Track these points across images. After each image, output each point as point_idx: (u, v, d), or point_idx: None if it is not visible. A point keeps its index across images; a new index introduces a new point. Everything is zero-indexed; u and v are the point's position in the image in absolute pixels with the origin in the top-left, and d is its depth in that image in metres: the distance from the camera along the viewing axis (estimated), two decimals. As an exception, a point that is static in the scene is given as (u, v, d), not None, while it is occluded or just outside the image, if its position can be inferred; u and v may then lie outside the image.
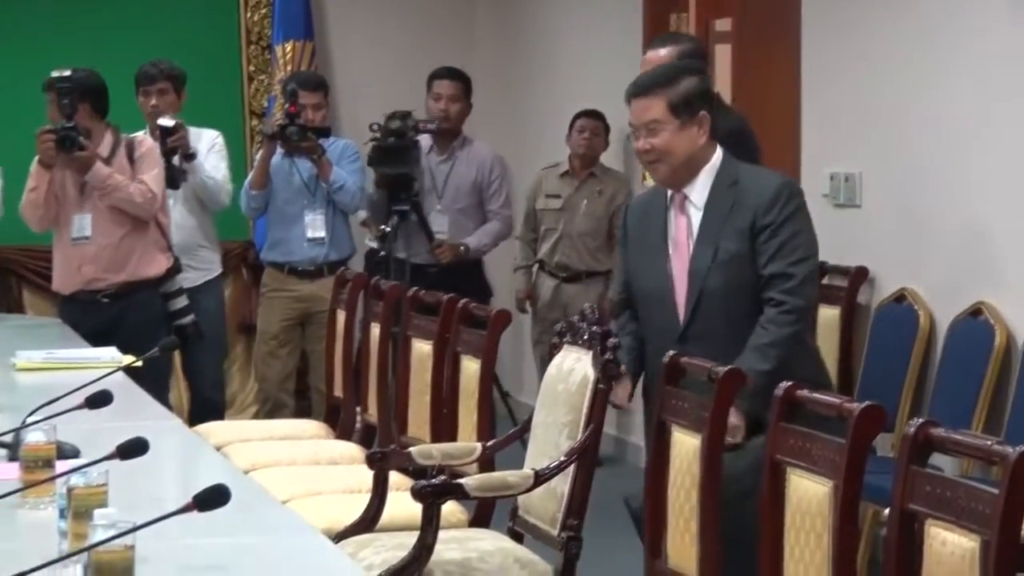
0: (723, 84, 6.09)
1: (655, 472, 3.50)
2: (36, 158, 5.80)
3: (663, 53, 4.89)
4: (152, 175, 5.88)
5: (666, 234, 4.04)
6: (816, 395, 3.13)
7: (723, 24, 6.92)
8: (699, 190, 3.99)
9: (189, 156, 6.39)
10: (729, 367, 3.37)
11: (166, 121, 6.30)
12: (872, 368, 5.43)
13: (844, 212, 5.82)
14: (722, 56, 6.78)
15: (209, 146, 6.52)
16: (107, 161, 5.82)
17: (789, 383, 3.15)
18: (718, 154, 4.00)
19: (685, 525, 3.39)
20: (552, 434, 3.99)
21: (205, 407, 6.52)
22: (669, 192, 4.05)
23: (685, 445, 3.42)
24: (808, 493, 2.99)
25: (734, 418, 3.70)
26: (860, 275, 5.64)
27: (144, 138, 6.11)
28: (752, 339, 3.88)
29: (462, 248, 6.93)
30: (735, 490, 3.57)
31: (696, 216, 4.00)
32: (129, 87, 6.42)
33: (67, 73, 5.74)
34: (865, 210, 5.74)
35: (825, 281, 5.74)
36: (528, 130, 8.15)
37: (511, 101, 8.09)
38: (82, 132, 5.72)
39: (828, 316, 5.67)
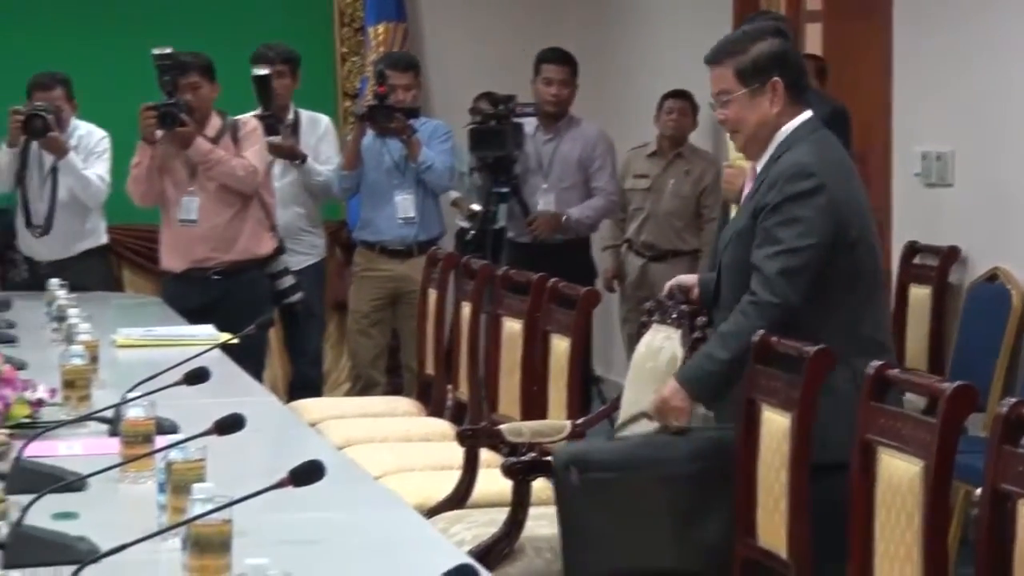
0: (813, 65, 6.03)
1: (744, 450, 3.48)
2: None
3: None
4: (254, 150, 5.96)
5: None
6: (909, 376, 3.10)
7: (814, 3, 6.86)
8: (762, 161, 3.71)
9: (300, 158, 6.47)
10: (818, 348, 3.33)
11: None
12: (964, 348, 5.37)
13: (935, 191, 5.76)
14: (813, 35, 6.73)
15: (321, 134, 6.55)
16: (214, 142, 5.89)
17: (880, 363, 3.12)
18: (792, 123, 3.67)
19: (775, 504, 3.37)
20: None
21: (304, 384, 6.59)
22: None
23: (775, 424, 3.40)
24: (899, 472, 2.97)
25: (679, 401, 3.66)
26: (952, 255, 5.57)
27: (248, 119, 6.16)
28: (721, 324, 3.69)
29: (564, 218, 6.89)
30: (675, 472, 3.54)
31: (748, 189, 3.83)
32: (226, 69, 6.45)
33: (168, 51, 5.80)
34: (957, 189, 5.67)
35: (916, 260, 5.70)
36: (617, 111, 8.12)
37: (601, 82, 8.05)
38: (183, 108, 5.78)
39: (919, 296, 5.62)
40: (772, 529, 3.39)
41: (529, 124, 6.97)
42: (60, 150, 6.13)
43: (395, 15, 8.17)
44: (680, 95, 7.25)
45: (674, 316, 3.93)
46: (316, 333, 6.63)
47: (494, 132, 6.68)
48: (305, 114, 6.54)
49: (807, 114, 3.69)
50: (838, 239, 3.56)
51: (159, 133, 5.82)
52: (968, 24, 5.55)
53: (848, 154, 4.66)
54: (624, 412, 4.10)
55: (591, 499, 3.58)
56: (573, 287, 4.66)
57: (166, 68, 5.78)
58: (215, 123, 5.95)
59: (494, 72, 7.50)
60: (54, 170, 6.19)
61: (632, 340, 4.49)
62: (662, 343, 3.99)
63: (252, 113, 6.23)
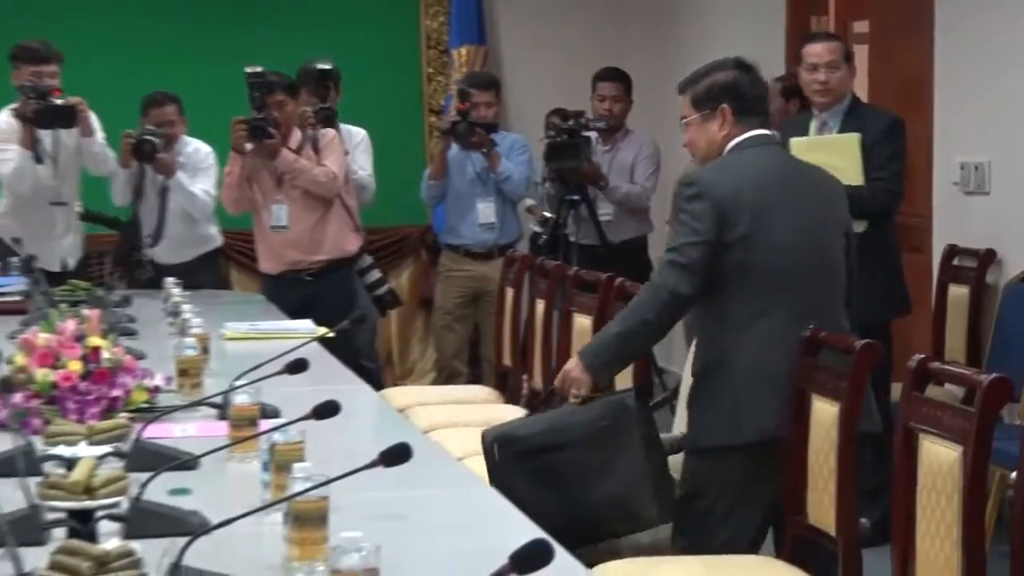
0: (860, 82, 5.98)
1: (796, 436, 3.46)
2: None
3: (832, 46, 5.14)
4: (333, 159, 5.99)
5: None
6: (948, 368, 3.08)
7: (861, 26, 6.82)
8: None
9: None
10: (864, 342, 3.32)
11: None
12: (1000, 342, 5.32)
13: (973, 199, 5.73)
14: (860, 56, 6.67)
15: (356, 144, 6.57)
16: (296, 153, 5.93)
17: (922, 356, 3.10)
18: (732, 143, 3.63)
19: (824, 485, 3.35)
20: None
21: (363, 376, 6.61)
22: None
23: (824, 412, 3.38)
24: (939, 458, 2.94)
25: (577, 372, 3.64)
26: (988, 257, 5.52)
27: (327, 131, 6.18)
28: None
29: (601, 184, 6.85)
30: (580, 435, 3.55)
31: None
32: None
33: (259, 70, 5.85)
34: (993, 197, 5.64)
35: (955, 262, 5.65)
36: (675, 123, 8.08)
37: (661, 96, 8.03)
38: (271, 123, 5.82)
39: (958, 295, 5.58)
40: (821, 509, 3.37)
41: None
42: (168, 170, 6.21)
43: (476, 39, 8.18)
44: None
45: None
46: (367, 331, 6.58)
47: (566, 145, 6.68)
48: (344, 128, 6.53)
49: (751, 132, 3.64)
50: (721, 239, 3.50)
51: (249, 146, 5.87)
52: (1005, 47, 5.52)
53: (902, 161, 4.59)
54: (683, 400, 4.09)
55: (515, 469, 3.60)
56: (636, 286, 4.64)
57: (256, 85, 5.82)
58: (297, 136, 5.99)
59: (565, 90, 7.50)
60: (164, 188, 6.28)
61: (690, 333, 4.47)
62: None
63: (316, 107, 6.18)
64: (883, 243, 5.05)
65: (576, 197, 6.75)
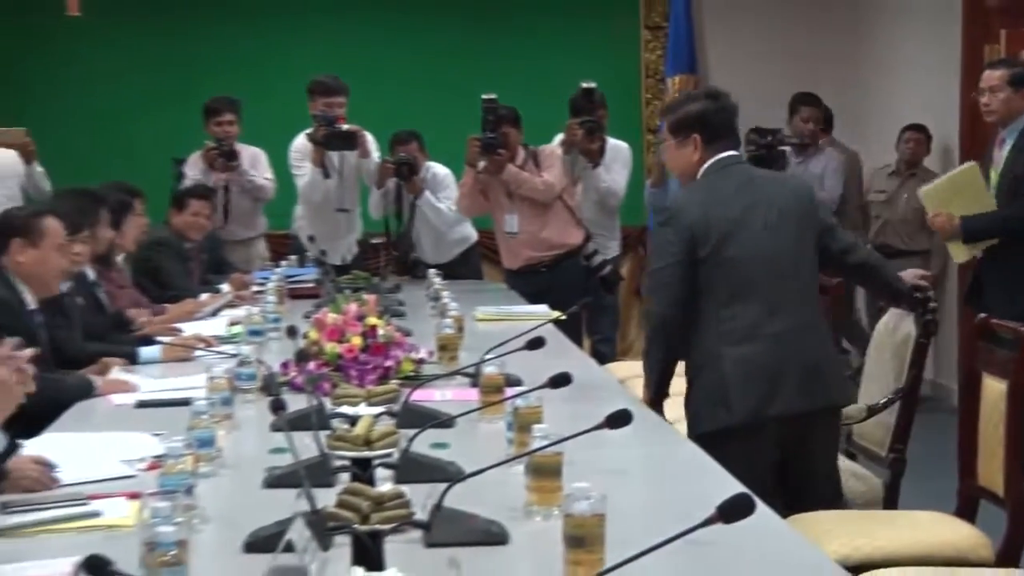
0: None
1: (967, 409, 3.33)
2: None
3: (996, 74, 5.00)
4: (550, 171, 5.97)
5: None
6: (1005, 323, 3.25)
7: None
8: None
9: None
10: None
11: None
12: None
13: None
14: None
15: (616, 157, 6.51)
16: (521, 167, 5.95)
17: (985, 314, 3.29)
18: (705, 166, 3.50)
19: (992, 452, 3.21)
20: (881, 378, 3.85)
21: (599, 358, 6.60)
22: None
23: (993, 389, 3.24)
24: (994, 391, 3.11)
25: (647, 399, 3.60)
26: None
27: (547, 147, 6.17)
28: None
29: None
30: None
31: None
32: (547, 109, 6.47)
33: (493, 96, 5.88)
34: None
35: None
36: (865, 138, 7.87)
37: (852, 115, 7.84)
38: (499, 142, 5.86)
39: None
40: (990, 473, 3.23)
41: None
42: (417, 190, 6.35)
43: (689, 68, 8.10)
44: (917, 128, 7.08)
45: (908, 302, 3.79)
46: (609, 321, 6.55)
47: (766, 158, 6.57)
48: (611, 142, 6.47)
49: (719, 155, 3.49)
50: (694, 256, 3.40)
51: (481, 164, 5.92)
52: None
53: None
54: (867, 378, 3.97)
55: None
56: (826, 279, 4.51)
57: (489, 110, 5.86)
58: (521, 154, 6.00)
59: (767, 109, 7.38)
60: (413, 205, 6.42)
61: (872, 321, 4.34)
62: (898, 323, 3.85)
63: (582, 119, 6.14)
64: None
65: None
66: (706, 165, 3.50)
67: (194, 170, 6.46)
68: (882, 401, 3.73)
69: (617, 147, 6.37)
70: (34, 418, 3.07)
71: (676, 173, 3.66)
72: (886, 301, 4.00)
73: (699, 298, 3.42)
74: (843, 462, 3.80)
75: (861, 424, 3.80)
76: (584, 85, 6.21)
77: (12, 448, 2.66)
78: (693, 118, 3.50)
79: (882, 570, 2.87)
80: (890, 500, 3.62)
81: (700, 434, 3.36)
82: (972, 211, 5.03)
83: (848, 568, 2.35)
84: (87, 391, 3.58)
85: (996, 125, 5.12)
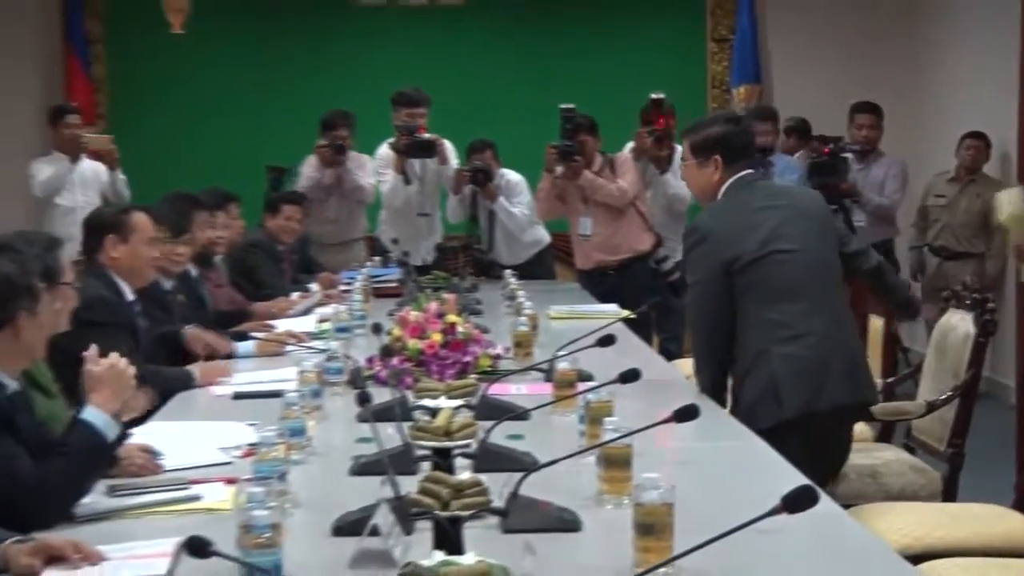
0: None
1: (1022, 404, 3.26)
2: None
3: None
4: (624, 177, 5.94)
5: None
6: None
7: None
8: None
9: None
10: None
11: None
12: None
13: None
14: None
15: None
16: (598, 174, 5.93)
17: None
18: (726, 184, 3.47)
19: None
20: (940, 375, 3.78)
21: (667, 355, 6.56)
22: None
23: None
24: None
25: None
26: None
27: (622, 153, 6.14)
28: None
29: (856, 197, 6.73)
30: None
31: None
32: (620, 119, 6.45)
33: (571, 106, 5.87)
34: None
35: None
36: (925, 145, 7.75)
37: (913, 123, 7.72)
38: (576, 149, 5.84)
39: None
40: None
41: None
42: (492, 197, 6.38)
43: (753, 78, 8.04)
44: (977, 135, 6.97)
45: (967, 302, 3.72)
46: (676, 321, 6.50)
47: (827, 164, 6.51)
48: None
49: (739, 175, 3.46)
50: (729, 269, 3.36)
51: (559, 169, 5.90)
52: None
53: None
54: (926, 375, 3.90)
55: None
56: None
57: (568, 119, 5.86)
58: (599, 160, 5.98)
59: (828, 117, 7.30)
60: (491, 211, 6.43)
61: (931, 320, 4.26)
62: (957, 322, 3.78)
63: (650, 129, 6.12)
64: None
65: (835, 207, 6.55)
66: (728, 183, 3.48)
67: (309, 168, 6.56)
68: (942, 397, 3.67)
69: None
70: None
71: (695, 192, 3.65)
72: (892, 306, 3.98)
73: (742, 302, 3.39)
74: (903, 455, 3.74)
75: (920, 420, 3.73)
76: (654, 96, 6.18)
77: (122, 436, 2.70)
78: (715, 140, 3.48)
79: (941, 560, 2.82)
80: (949, 493, 3.56)
81: (755, 431, 3.33)
82: None
83: (908, 558, 2.30)
84: (187, 382, 3.64)
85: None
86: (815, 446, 3.29)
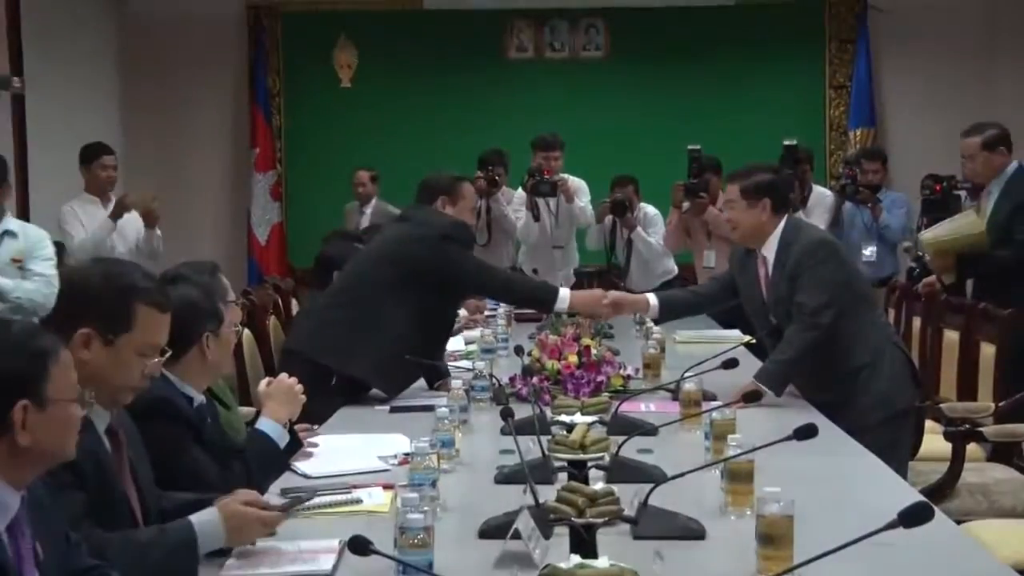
0: None
1: None
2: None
3: (971, 141, 4.96)
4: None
5: (757, 274, 3.66)
6: None
7: None
8: (769, 248, 3.57)
9: None
10: None
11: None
12: None
13: None
14: None
15: (819, 203, 6.32)
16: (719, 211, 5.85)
17: None
18: (781, 224, 3.54)
19: None
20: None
21: None
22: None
23: None
24: None
25: (752, 387, 3.33)
26: None
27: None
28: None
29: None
30: None
31: (769, 265, 3.60)
32: (743, 157, 6.32)
33: (697, 147, 5.82)
34: None
35: None
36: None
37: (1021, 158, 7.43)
38: (702, 186, 5.78)
39: None
40: None
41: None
42: (631, 226, 6.34)
43: (869, 123, 7.90)
44: None
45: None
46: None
47: (939, 201, 6.32)
48: (817, 190, 6.33)
49: (787, 218, 3.58)
50: (849, 279, 3.48)
51: (685, 205, 5.85)
52: None
53: None
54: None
55: None
56: (996, 310, 4.27)
57: (693, 159, 5.82)
58: (722, 196, 5.89)
59: (938, 157, 7.08)
60: (629, 239, 6.41)
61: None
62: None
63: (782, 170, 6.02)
64: None
65: None
66: (783, 225, 3.55)
67: None
68: (1052, 420, 3.51)
69: (822, 194, 6.23)
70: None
71: (741, 230, 3.63)
72: None
73: (857, 306, 3.45)
74: (1014, 475, 3.58)
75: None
76: (786, 142, 6.11)
77: (296, 445, 2.75)
78: (767, 185, 3.56)
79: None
80: (1059, 512, 3.39)
81: (894, 413, 3.39)
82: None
83: (1020, 572, 2.20)
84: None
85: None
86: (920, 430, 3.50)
